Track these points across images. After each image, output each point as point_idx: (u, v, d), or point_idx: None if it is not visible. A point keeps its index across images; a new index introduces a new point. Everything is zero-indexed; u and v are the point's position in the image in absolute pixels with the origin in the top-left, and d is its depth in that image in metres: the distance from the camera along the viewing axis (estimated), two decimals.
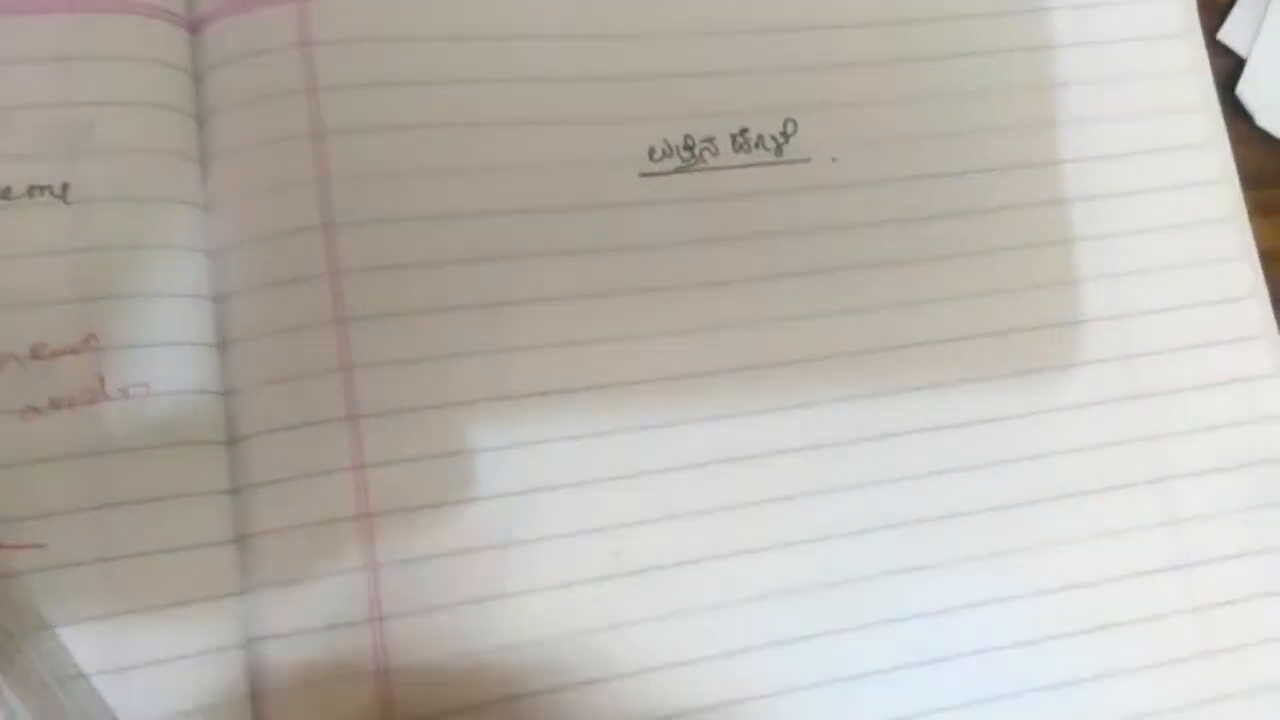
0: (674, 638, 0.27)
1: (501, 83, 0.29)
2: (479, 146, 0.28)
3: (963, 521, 0.29)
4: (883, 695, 0.28)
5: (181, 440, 0.26)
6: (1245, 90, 0.34)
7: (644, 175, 0.29)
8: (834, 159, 0.30)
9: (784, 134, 0.30)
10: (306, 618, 0.26)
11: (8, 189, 0.26)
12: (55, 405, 0.25)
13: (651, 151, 0.29)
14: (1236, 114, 0.34)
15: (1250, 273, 0.32)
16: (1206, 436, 0.31)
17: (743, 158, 0.30)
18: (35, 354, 0.25)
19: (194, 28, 0.28)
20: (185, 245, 0.27)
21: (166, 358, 0.26)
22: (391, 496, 0.26)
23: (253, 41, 0.28)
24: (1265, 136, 0.34)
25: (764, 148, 0.30)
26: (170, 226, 0.27)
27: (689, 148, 0.30)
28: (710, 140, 0.30)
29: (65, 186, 0.26)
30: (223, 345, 0.27)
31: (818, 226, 0.30)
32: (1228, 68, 0.34)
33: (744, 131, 0.30)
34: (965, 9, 0.32)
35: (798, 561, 0.28)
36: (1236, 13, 0.35)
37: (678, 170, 0.29)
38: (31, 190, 0.26)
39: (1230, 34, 0.35)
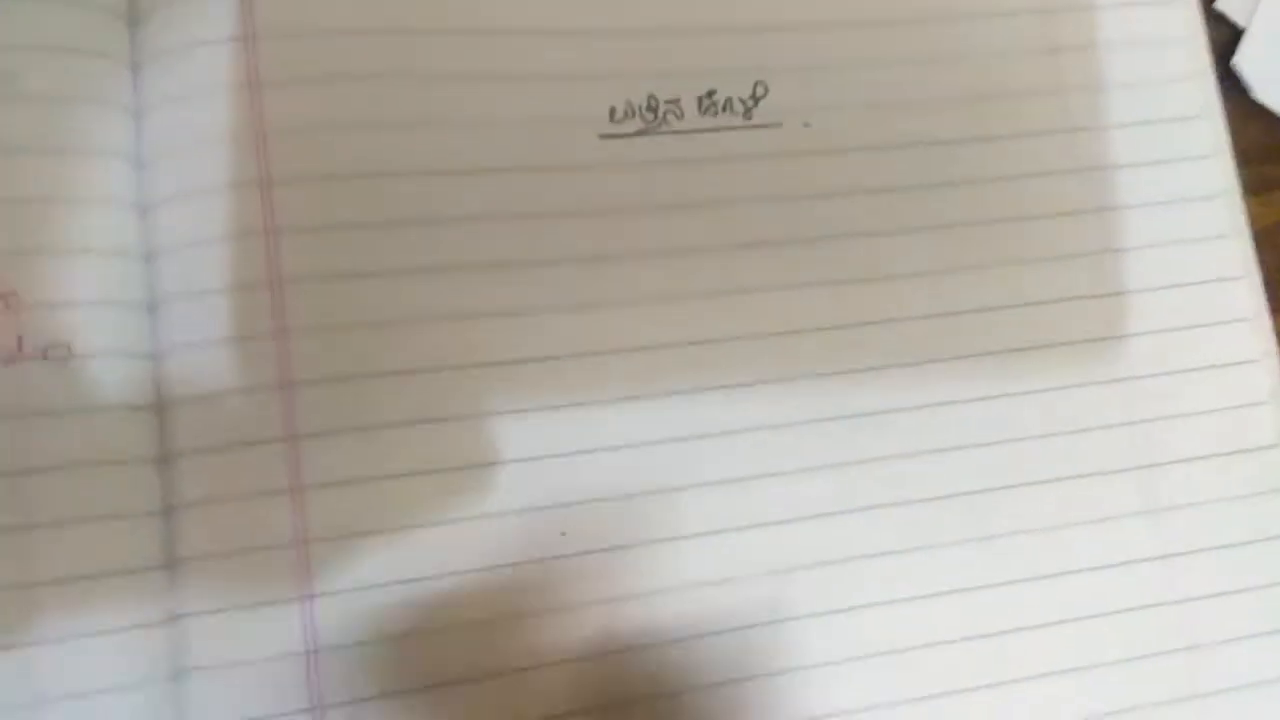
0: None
1: (451, 33, 0.27)
2: (424, 100, 0.27)
3: (942, 504, 0.28)
4: None
5: (105, 406, 0.25)
6: (1242, 63, 0.32)
7: (603, 137, 0.28)
8: (806, 124, 0.29)
9: (754, 97, 0.29)
10: (235, 595, 0.25)
11: None
12: None
13: (612, 112, 0.28)
14: (1233, 87, 0.32)
15: (1243, 252, 0.30)
16: (1193, 422, 0.29)
17: (709, 120, 0.28)
18: None
19: None
20: (115, 200, 0.26)
21: (91, 318, 0.25)
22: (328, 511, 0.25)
23: None
24: (1262, 111, 0.32)
25: (732, 111, 0.28)
26: (99, 180, 0.25)
27: (652, 109, 0.28)
28: (675, 102, 0.28)
29: None
30: (153, 306, 0.26)
31: (787, 195, 0.28)
32: (1225, 39, 0.33)
33: (711, 93, 0.28)
34: None
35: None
36: None
37: (639, 133, 0.28)
38: None
39: (1229, 4, 0.33)
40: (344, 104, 0.26)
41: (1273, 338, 0.30)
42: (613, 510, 0.26)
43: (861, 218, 0.29)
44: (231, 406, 0.25)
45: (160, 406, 0.25)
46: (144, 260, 0.26)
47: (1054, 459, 0.28)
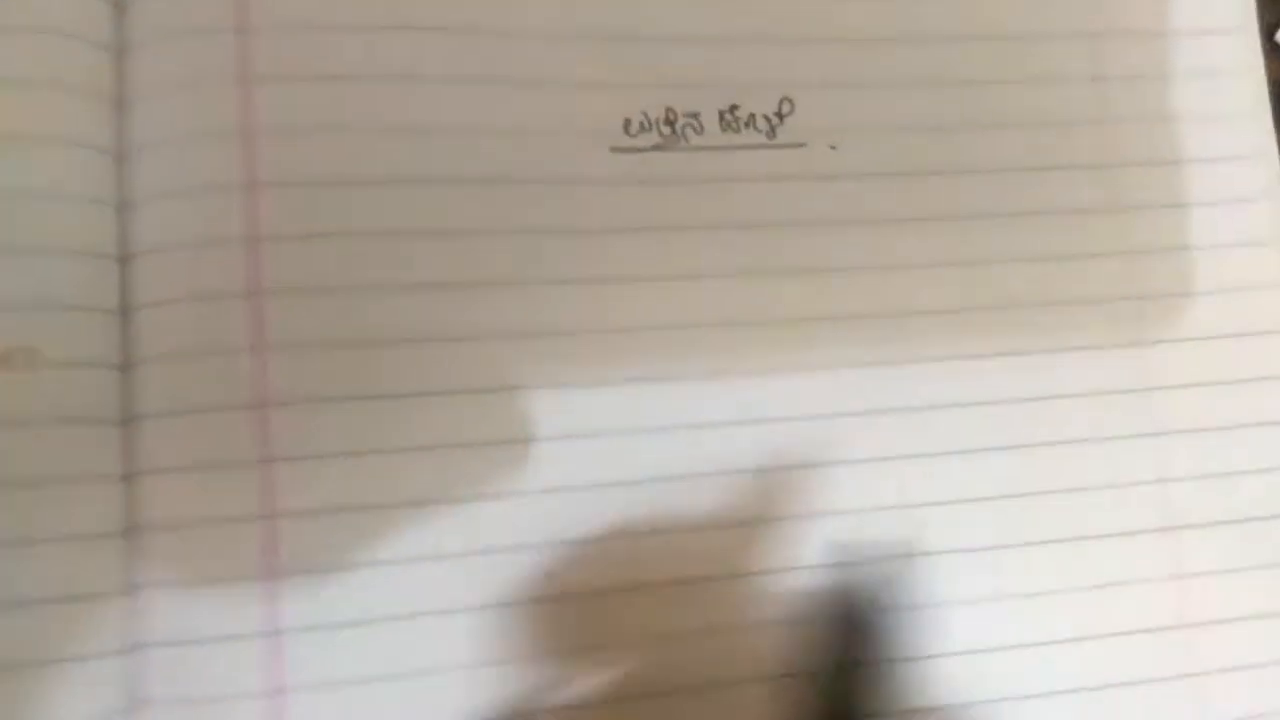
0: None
1: (458, 34, 0.25)
2: (427, 103, 0.25)
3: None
4: None
5: (71, 416, 0.23)
6: None
7: (616, 150, 0.26)
8: (833, 146, 0.27)
9: (779, 114, 0.27)
10: (200, 622, 0.23)
11: None
12: None
13: (627, 124, 0.26)
14: None
15: None
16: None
17: (730, 138, 0.26)
18: None
19: None
20: (89, 197, 0.24)
21: (58, 322, 0.23)
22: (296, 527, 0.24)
23: None
24: None
25: (755, 128, 0.27)
26: (72, 174, 0.24)
27: (670, 122, 0.26)
28: (695, 116, 0.26)
29: None
30: (124, 311, 0.24)
31: (810, 220, 0.27)
32: None
33: (734, 108, 0.27)
34: None
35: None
36: None
37: (655, 148, 0.26)
38: None
39: None
40: (339, 107, 0.25)
41: None
42: (593, 551, 0.25)
43: (886, 250, 0.27)
44: (204, 424, 0.23)
45: (127, 419, 0.24)
46: (119, 262, 0.24)
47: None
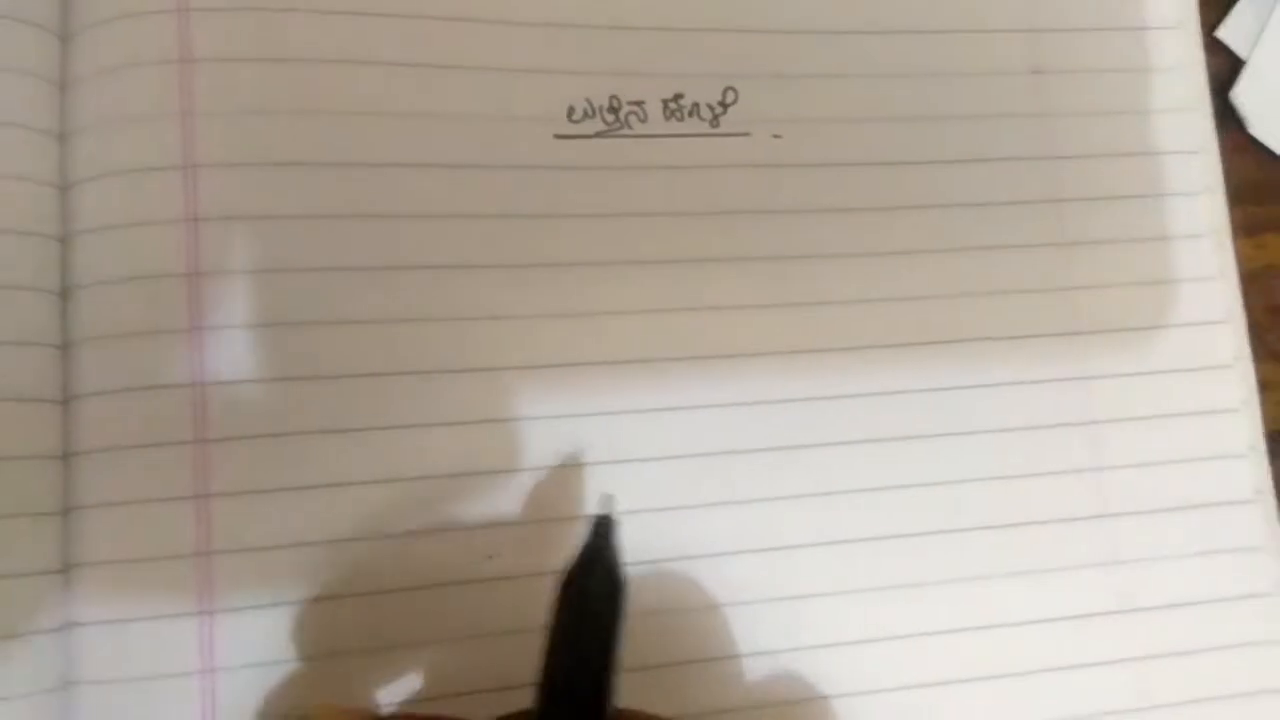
0: None
1: (404, 19, 0.25)
2: (369, 87, 0.25)
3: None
4: None
5: (8, 397, 0.23)
6: (1241, 95, 0.31)
7: (559, 137, 0.26)
8: (776, 135, 0.27)
9: (722, 103, 0.27)
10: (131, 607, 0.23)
11: None
12: None
13: (571, 111, 0.26)
14: (1228, 120, 0.31)
15: (1228, 295, 0.29)
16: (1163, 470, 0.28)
17: (674, 126, 0.27)
18: None
19: None
20: (32, 177, 0.24)
21: None
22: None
23: None
24: (1257, 147, 0.31)
25: (699, 117, 0.27)
26: (14, 153, 0.24)
27: (614, 110, 0.26)
28: (639, 104, 0.27)
29: None
30: (65, 292, 0.24)
31: (752, 208, 0.27)
32: (1223, 69, 0.31)
33: (678, 97, 0.27)
34: None
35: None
36: (1239, 10, 0.31)
37: (599, 134, 0.26)
38: None
39: (1230, 32, 0.31)
40: (279, 89, 0.25)
41: (1254, 385, 0.29)
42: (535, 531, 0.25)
43: (828, 237, 0.27)
44: (141, 405, 0.23)
45: (67, 400, 0.24)
46: (59, 242, 0.24)
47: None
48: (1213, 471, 0.28)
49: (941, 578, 0.26)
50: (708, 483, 0.26)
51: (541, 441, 0.25)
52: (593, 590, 0.20)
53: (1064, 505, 0.27)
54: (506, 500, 0.25)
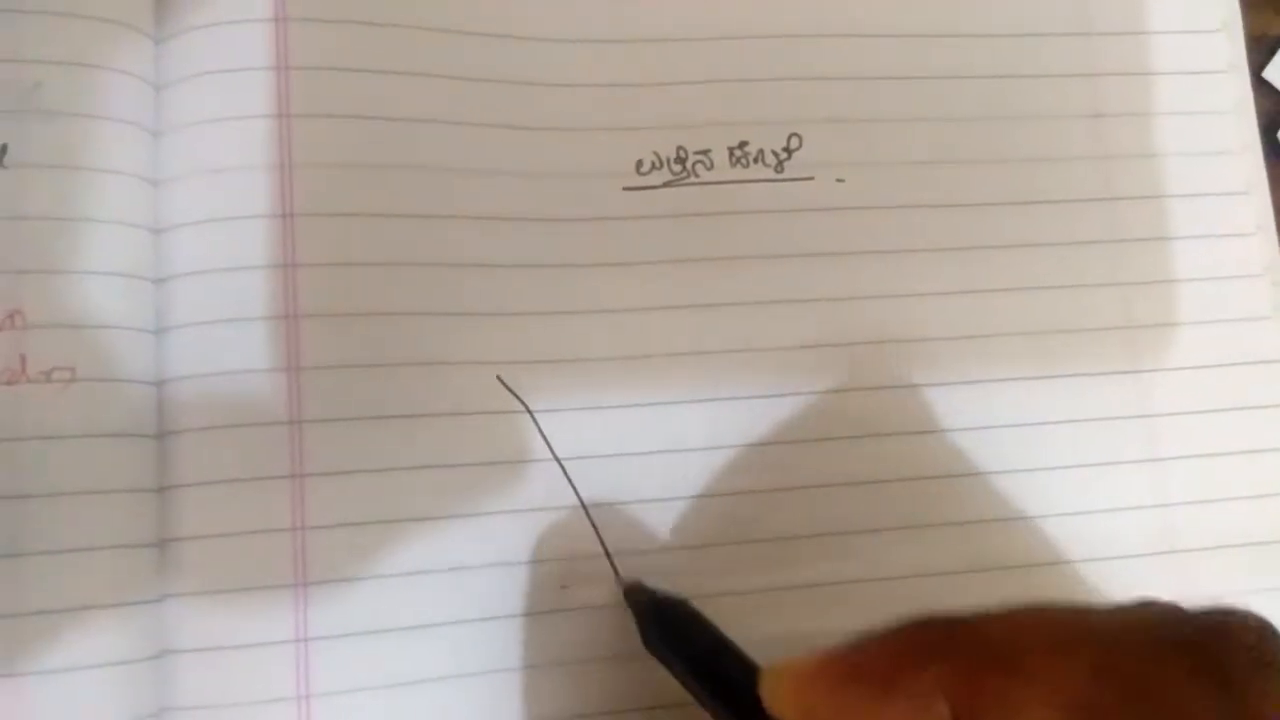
0: None
1: (481, 82, 0.27)
2: (449, 147, 0.26)
3: None
4: None
5: (106, 432, 0.24)
6: None
7: (628, 189, 0.27)
8: (840, 179, 0.28)
9: (787, 149, 0.28)
10: (228, 635, 0.24)
11: None
12: None
13: (639, 164, 0.27)
14: (1272, 158, 0.31)
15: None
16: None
17: (739, 173, 0.28)
18: None
19: None
20: (129, 222, 0.25)
21: (97, 341, 0.24)
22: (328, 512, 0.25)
23: (223, 11, 0.26)
24: None
25: (764, 163, 0.28)
26: (115, 200, 0.25)
27: (681, 160, 0.27)
28: (705, 153, 0.28)
29: (4, 149, 0.24)
30: (162, 332, 0.25)
31: (817, 251, 0.28)
32: (1272, 108, 0.32)
33: (743, 144, 0.28)
34: (997, 28, 0.30)
35: None
36: None
37: (666, 184, 0.27)
38: None
39: (1277, 72, 0.32)
40: (371, 146, 0.26)
41: None
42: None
43: (893, 278, 0.28)
44: (237, 440, 0.24)
45: (162, 435, 0.25)
46: (154, 284, 0.25)
47: None
48: None
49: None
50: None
51: (602, 472, 0.26)
52: (675, 628, 0.21)
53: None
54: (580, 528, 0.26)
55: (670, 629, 0.23)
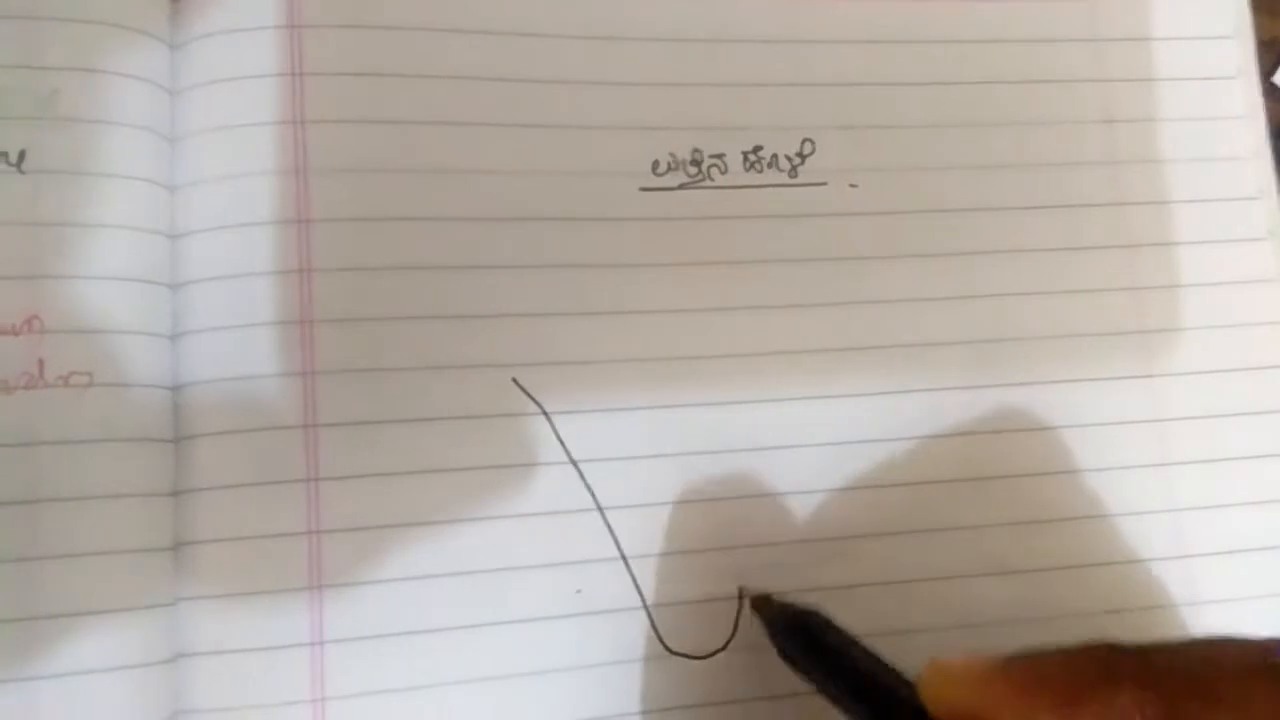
0: None
1: (496, 81, 0.27)
2: (465, 146, 0.26)
3: None
4: None
5: (123, 437, 0.24)
6: None
7: (645, 190, 0.27)
8: (853, 185, 0.28)
9: (800, 154, 0.28)
10: (243, 638, 0.24)
11: None
12: None
13: (655, 165, 0.27)
14: None
15: None
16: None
17: (754, 177, 0.28)
18: None
19: None
20: (145, 227, 0.25)
21: (114, 346, 0.24)
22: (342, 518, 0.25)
23: (237, 17, 0.26)
24: None
25: (778, 168, 0.28)
26: (131, 206, 0.25)
27: (696, 163, 0.27)
28: (720, 157, 0.28)
29: (22, 154, 0.24)
30: (178, 337, 0.25)
31: (829, 256, 0.28)
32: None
33: (758, 149, 0.28)
34: (1009, 35, 0.30)
35: None
36: None
37: (682, 186, 0.27)
38: None
39: None
40: (384, 149, 0.26)
41: None
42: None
43: (904, 283, 0.28)
44: (252, 444, 0.25)
45: (178, 440, 0.25)
46: (170, 289, 0.25)
47: None
48: None
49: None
50: None
51: (616, 475, 0.26)
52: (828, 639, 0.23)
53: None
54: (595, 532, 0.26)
55: (805, 638, 0.23)
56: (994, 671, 0.19)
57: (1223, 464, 0.29)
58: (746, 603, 0.25)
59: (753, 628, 0.25)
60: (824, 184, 0.28)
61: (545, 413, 0.26)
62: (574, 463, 0.26)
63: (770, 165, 0.28)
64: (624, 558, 0.25)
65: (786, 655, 0.24)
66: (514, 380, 0.26)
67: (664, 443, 0.26)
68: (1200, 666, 0.18)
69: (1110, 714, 0.17)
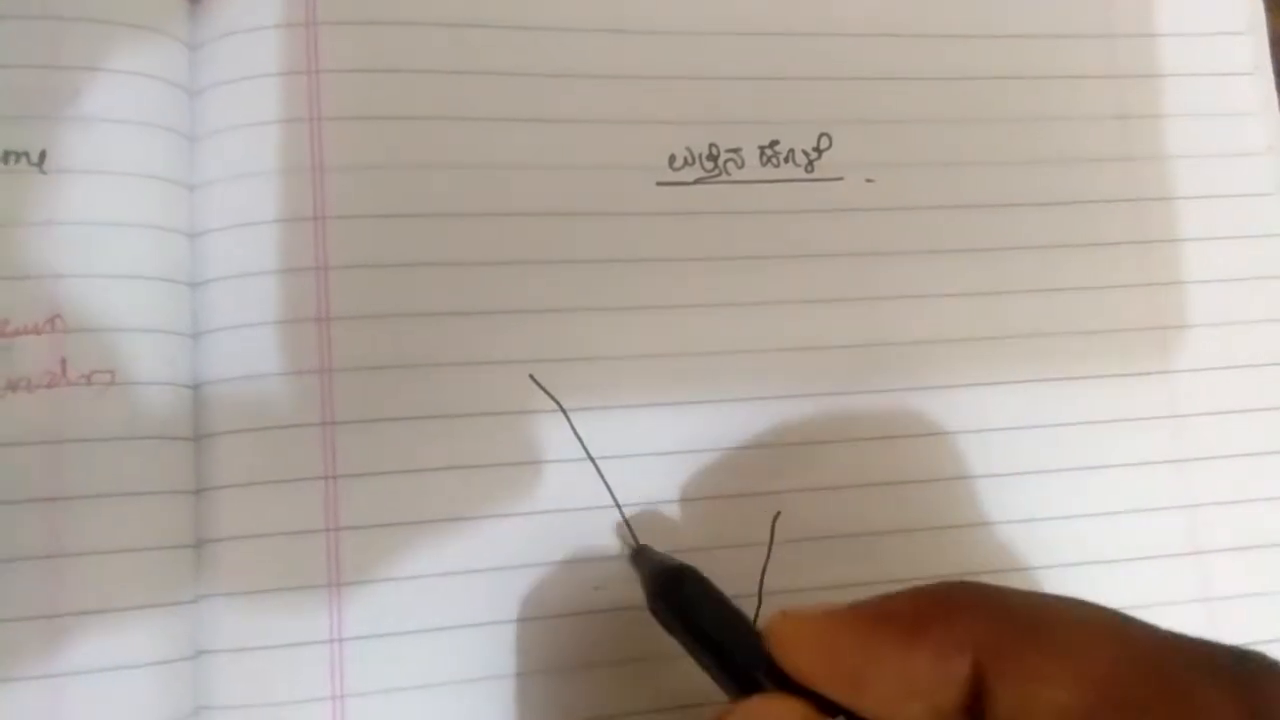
0: None
1: (512, 76, 0.27)
2: (482, 142, 0.27)
3: None
4: None
5: (145, 435, 0.24)
6: None
7: (661, 184, 0.27)
8: (869, 180, 0.28)
9: (817, 149, 0.28)
10: (263, 635, 0.24)
11: None
12: (12, 387, 0.24)
13: (672, 159, 0.27)
14: None
15: None
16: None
17: (770, 172, 0.28)
18: None
19: None
20: (166, 226, 0.25)
21: (135, 345, 0.24)
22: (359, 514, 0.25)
23: (254, 16, 0.26)
24: None
25: (794, 162, 0.28)
26: (151, 205, 0.25)
27: (713, 157, 0.28)
28: (736, 151, 0.28)
29: (43, 154, 0.25)
30: (198, 336, 0.25)
31: (846, 251, 0.28)
32: None
33: (774, 144, 0.28)
34: (1024, 30, 0.30)
35: None
36: None
37: (698, 181, 0.27)
38: (7, 156, 0.24)
39: None
40: (401, 146, 0.26)
41: None
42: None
43: (922, 279, 0.28)
44: (271, 442, 0.25)
45: (199, 437, 0.25)
46: (191, 288, 0.25)
47: None
48: None
49: None
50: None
51: (635, 471, 0.26)
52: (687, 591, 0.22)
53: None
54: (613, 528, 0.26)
55: (676, 594, 0.23)
56: (840, 614, 0.19)
57: (1239, 460, 0.29)
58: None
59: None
60: (840, 179, 0.28)
61: (563, 409, 0.26)
62: (592, 459, 0.26)
63: (787, 160, 0.28)
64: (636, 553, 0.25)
65: (652, 610, 0.23)
66: (531, 376, 0.26)
67: (681, 439, 0.26)
68: (1044, 613, 0.18)
69: (947, 642, 0.17)
